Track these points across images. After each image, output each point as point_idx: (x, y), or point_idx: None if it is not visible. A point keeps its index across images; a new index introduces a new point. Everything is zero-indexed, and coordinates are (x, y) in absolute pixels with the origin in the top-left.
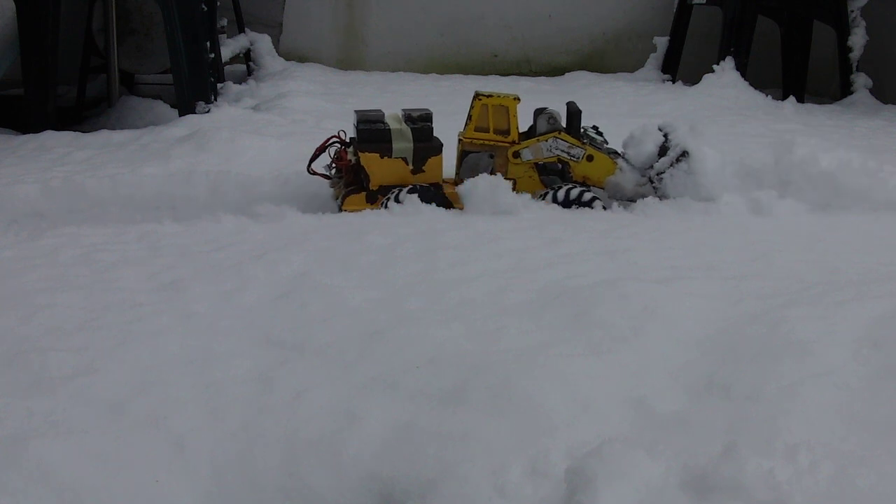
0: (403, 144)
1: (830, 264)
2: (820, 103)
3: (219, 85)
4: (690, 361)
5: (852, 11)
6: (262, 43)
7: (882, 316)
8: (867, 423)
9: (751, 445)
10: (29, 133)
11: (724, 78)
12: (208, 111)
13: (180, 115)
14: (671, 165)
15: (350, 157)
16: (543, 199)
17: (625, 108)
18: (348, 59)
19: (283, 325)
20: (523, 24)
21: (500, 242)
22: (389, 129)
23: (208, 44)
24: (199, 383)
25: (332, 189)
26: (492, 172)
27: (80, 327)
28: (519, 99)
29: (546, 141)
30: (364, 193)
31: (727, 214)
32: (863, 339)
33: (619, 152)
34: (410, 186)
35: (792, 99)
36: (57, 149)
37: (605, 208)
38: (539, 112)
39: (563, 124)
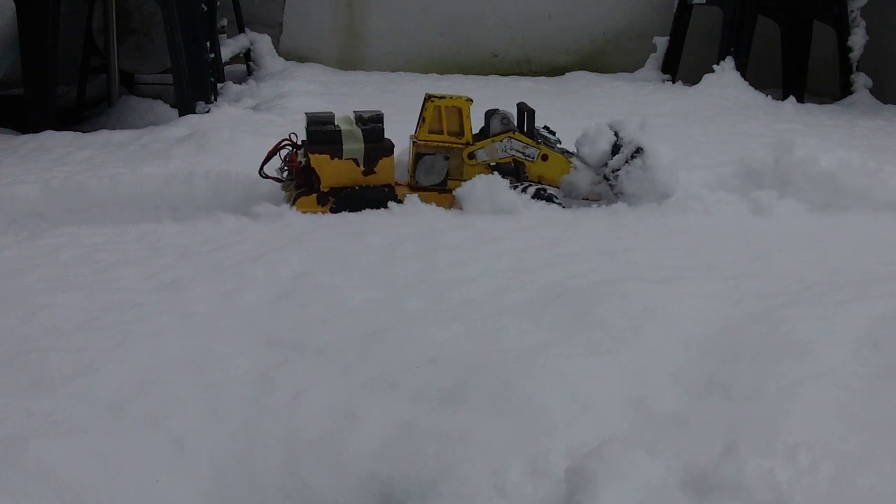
0: (354, 145)
1: (830, 264)
2: (820, 103)
3: (219, 85)
4: (690, 361)
5: (852, 11)
6: (262, 43)
7: (882, 316)
8: (867, 423)
9: (751, 445)
10: (29, 133)
11: (724, 78)
12: (208, 111)
13: (180, 115)
14: (626, 162)
15: (300, 158)
16: None
17: (625, 108)
18: (348, 59)
19: (283, 325)
20: (523, 24)
21: (500, 242)
22: (340, 131)
23: (208, 44)
24: (199, 383)
25: (284, 192)
26: (447, 174)
27: (80, 327)
28: (471, 100)
29: (501, 141)
30: (315, 195)
31: (727, 214)
32: (863, 339)
33: (572, 152)
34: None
35: (792, 99)
36: (57, 149)
37: (562, 206)
38: (492, 113)
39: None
